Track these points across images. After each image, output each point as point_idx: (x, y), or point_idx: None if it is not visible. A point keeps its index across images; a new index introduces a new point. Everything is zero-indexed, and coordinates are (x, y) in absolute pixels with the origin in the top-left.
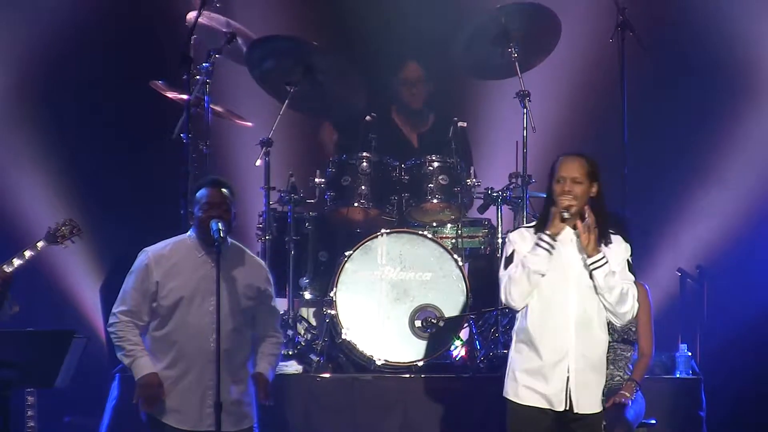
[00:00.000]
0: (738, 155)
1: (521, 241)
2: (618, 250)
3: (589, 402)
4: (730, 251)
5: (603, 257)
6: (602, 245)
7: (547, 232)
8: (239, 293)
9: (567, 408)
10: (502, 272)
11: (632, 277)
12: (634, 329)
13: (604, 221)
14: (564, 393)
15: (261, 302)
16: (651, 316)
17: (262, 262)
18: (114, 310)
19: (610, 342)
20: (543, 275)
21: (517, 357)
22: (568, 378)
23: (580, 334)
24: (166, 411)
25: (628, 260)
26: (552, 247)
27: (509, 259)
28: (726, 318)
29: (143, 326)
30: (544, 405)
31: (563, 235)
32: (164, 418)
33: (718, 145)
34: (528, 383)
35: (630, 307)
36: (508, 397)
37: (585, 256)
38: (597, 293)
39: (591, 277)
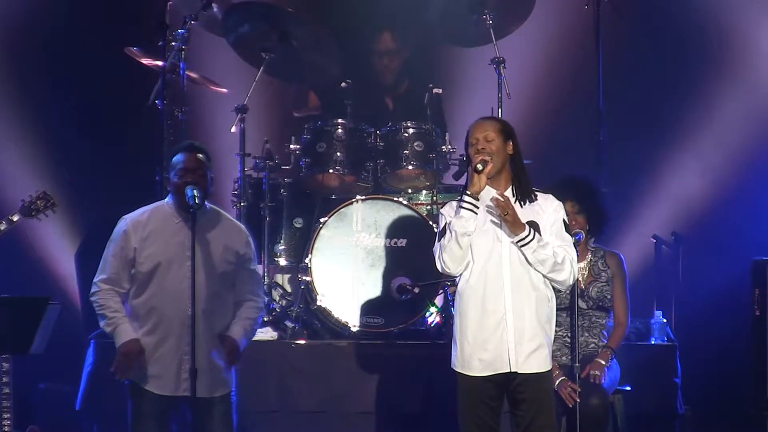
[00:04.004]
0: (713, 122)
1: (453, 212)
2: (548, 210)
3: (531, 361)
4: (704, 218)
5: (528, 234)
6: (526, 203)
7: (468, 192)
8: (218, 258)
9: (510, 368)
10: (435, 245)
11: (569, 239)
12: (609, 297)
13: (525, 179)
14: (506, 353)
15: (240, 266)
16: (626, 285)
17: (242, 227)
18: (95, 279)
19: (584, 309)
20: (470, 235)
21: (460, 325)
22: (508, 339)
23: (519, 294)
24: (146, 377)
25: (564, 220)
26: (475, 206)
27: (442, 232)
28: (701, 285)
29: (124, 293)
30: (488, 372)
31: (489, 198)
32: (145, 384)
33: (694, 112)
34: (471, 351)
35: (568, 274)
36: (456, 369)
37: (511, 233)
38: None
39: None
